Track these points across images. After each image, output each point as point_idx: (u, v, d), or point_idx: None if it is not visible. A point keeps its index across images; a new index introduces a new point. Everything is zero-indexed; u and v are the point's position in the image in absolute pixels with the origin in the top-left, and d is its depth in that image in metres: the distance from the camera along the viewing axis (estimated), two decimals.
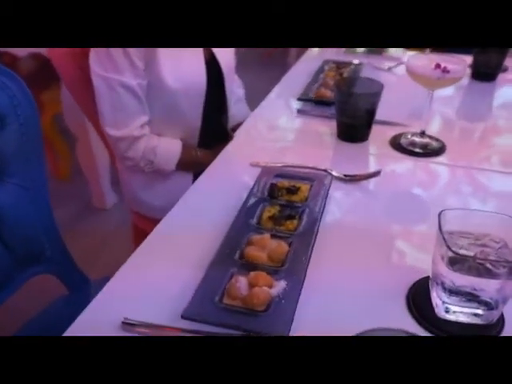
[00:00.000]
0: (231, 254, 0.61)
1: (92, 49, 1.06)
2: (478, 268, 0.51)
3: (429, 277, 0.59)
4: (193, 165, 1.22)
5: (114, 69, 1.04)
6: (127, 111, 1.08)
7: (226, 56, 1.23)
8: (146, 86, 1.09)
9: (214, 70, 1.19)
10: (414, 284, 0.60)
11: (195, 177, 1.24)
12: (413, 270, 0.63)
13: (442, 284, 0.52)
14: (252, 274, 0.56)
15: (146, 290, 0.61)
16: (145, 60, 1.05)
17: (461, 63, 0.85)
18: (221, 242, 0.63)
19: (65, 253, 0.98)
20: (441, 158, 0.92)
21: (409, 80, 0.86)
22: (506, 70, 1.34)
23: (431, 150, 0.93)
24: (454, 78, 0.83)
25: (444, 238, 0.50)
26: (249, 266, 0.59)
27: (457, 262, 0.51)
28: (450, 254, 0.50)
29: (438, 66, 0.83)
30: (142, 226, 1.43)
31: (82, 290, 1.03)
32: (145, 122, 1.12)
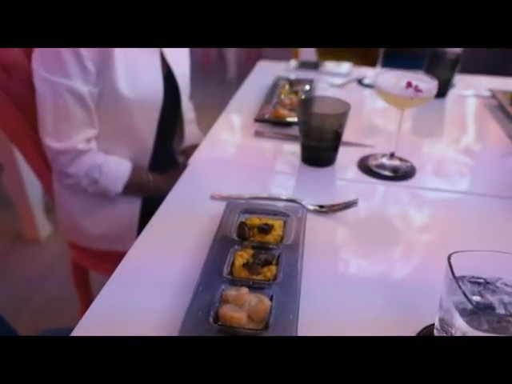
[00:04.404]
0: (204, 317, 0.50)
1: (36, 49, 0.91)
2: (500, 321, 0.44)
3: (434, 325, 0.52)
4: (142, 189, 1.08)
5: (61, 72, 0.88)
6: (73, 122, 0.93)
7: (182, 72, 1.13)
8: (98, 95, 0.95)
9: (170, 85, 1.08)
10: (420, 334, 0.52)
11: (144, 203, 1.11)
12: (417, 314, 0.56)
13: None
14: None
15: None
16: (98, 65, 0.91)
17: (430, 81, 0.80)
18: (189, 302, 0.52)
19: None
20: (412, 182, 0.87)
21: (363, 97, 0.80)
22: (454, 86, 1.36)
23: (403, 173, 0.88)
24: (427, 98, 0.78)
25: (462, 290, 0.43)
26: (226, 331, 0.49)
27: (476, 314, 0.43)
28: (471, 307, 0.42)
29: (409, 84, 0.78)
30: (82, 262, 1.27)
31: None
32: (92, 136, 0.98)
